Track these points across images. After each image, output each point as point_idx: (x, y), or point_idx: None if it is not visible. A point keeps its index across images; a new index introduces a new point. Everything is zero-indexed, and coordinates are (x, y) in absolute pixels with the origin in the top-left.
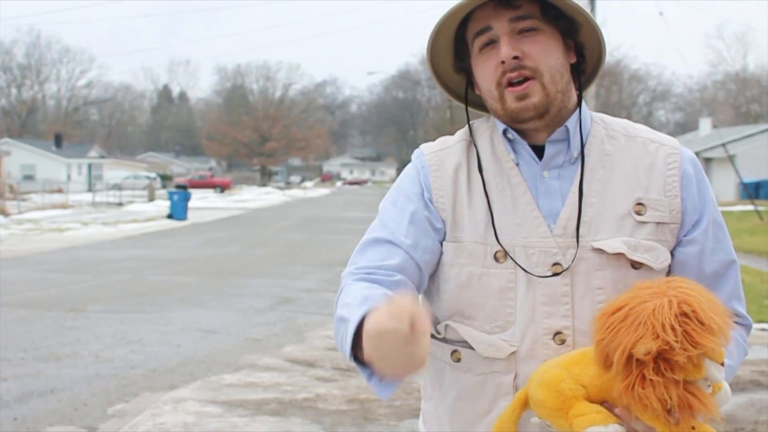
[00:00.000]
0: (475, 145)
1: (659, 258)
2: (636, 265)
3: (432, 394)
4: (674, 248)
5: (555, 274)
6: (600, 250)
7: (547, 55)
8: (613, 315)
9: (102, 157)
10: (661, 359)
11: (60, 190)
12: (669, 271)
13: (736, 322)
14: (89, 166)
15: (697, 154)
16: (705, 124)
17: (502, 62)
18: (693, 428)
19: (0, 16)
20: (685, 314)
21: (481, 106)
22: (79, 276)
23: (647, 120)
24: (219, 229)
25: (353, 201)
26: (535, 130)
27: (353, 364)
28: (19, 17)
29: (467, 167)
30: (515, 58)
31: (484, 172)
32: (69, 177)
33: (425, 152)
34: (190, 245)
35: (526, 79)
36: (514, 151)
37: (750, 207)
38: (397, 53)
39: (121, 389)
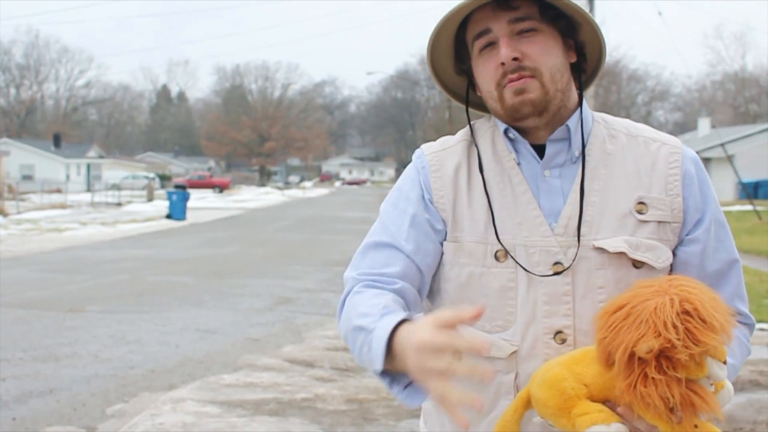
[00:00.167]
0: (476, 145)
1: (661, 257)
2: (637, 264)
3: None
4: (676, 247)
5: (556, 273)
6: (601, 249)
7: (547, 55)
8: (614, 313)
9: (101, 157)
10: (663, 357)
11: (59, 190)
12: (671, 270)
13: (738, 321)
14: (88, 166)
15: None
16: (704, 124)
17: (502, 64)
18: (696, 427)
19: None
20: (686, 312)
21: (482, 107)
22: (78, 276)
23: (646, 120)
24: (218, 229)
25: (352, 201)
26: (535, 128)
27: (377, 373)
28: (18, 17)
29: (468, 167)
30: (515, 59)
31: (484, 171)
32: (68, 177)
33: (426, 152)
34: (189, 245)
35: (526, 77)
36: (516, 151)
37: (749, 207)
38: (396, 53)
39: (120, 389)
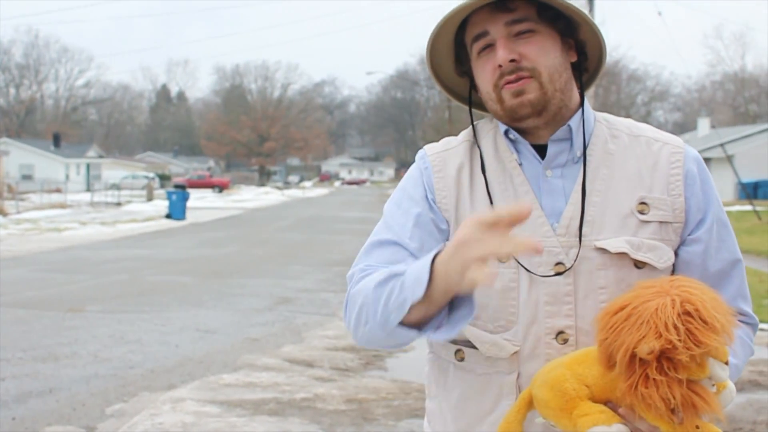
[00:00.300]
0: (479, 146)
1: (662, 257)
2: (639, 265)
3: (436, 393)
4: (678, 247)
5: (558, 274)
6: (603, 250)
7: (545, 55)
8: (615, 314)
9: (100, 156)
10: (664, 358)
11: (58, 190)
12: (673, 270)
13: (742, 321)
14: (87, 165)
15: None
16: (703, 125)
17: (499, 66)
18: (697, 427)
19: None
20: (687, 313)
21: (485, 108)
22: (78, 276)
23: (645, 120)
24: (217, 229)
25: (352, 201)
26: (536, 128)
27: (403, 313)
28: (18, 17)
29: (470, 168)
30: (512, 60)
31: (487, 172)
32: (67, 177)
33: (428, 153)
34: (188, 245)
35: (524, 78)
36: (517, 151)
37: (748, 207)
38: (396, 53)
39: (120, 389)
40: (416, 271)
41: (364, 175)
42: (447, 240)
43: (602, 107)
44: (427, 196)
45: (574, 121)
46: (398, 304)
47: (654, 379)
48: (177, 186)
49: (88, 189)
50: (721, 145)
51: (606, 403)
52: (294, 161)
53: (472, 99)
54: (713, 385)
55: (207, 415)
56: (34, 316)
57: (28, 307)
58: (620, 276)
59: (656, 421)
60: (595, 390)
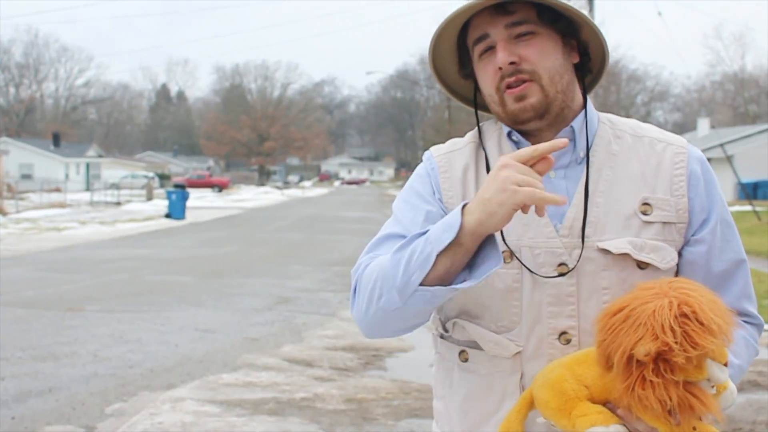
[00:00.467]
0: (484, 147)
1: (665, 258)
2: (642, 265)
3: (442, 393)
4: (682, 248)
5: (561, 275)
6: (605, 251)
7: (545, 57)
8: (614, 316)
9: (100, 156)
10: (661, 360)
11: (58, 190)
12: (678, 271)
13: (746, 322)
14: (87, 165)
15: None
16: (703, 125)
17: (500, 68)
18: (694, 429)
19: None
20: (684, 315)
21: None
22: (77, 275)
23: (645, 120)
24: (217, 228)
25: (351, 201)
26: (539, 130)
27: (427, 270)
28: (17, 16)
29: (476, 169)
30: (512, 63)
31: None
32: (67, 176)
33: (435, 154)
34: (188, 245)
35: (525, 81)
36: None
37: (748, 207)
38: (396, 53)
39: (119, 389)
40: (443, 223)
41: (364, 174)
42: None
43: (602, 107)
44: (434, 195)
45: (577, 122)
46: (422, 259)
47: (651, 380)
48: (176, 185)
49: (88, 188)
50: (721, 145)
51: (605, 403)
52: (294, 161)
53: (477, 100)
54: (712, 386)
55: (206, 415)
56: (33, 316)
57: (28, 306)
58: (623, 277)
59: (653, 422)
60: (595, 391)
